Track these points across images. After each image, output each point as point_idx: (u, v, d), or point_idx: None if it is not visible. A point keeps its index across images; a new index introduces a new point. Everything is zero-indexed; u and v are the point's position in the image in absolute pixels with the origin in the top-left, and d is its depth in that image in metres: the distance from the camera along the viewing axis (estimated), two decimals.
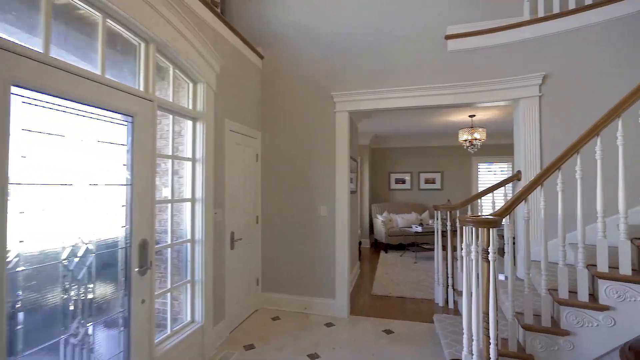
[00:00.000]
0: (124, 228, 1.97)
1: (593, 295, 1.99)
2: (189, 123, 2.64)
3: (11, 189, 1.40)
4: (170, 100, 2.39)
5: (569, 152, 1.98)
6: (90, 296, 1.77)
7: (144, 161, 2.04)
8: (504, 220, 1.95)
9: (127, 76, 2.05)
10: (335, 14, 3.65)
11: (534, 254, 2.95)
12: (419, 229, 6.60)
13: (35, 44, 1.51)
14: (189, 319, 2.62)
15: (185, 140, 2.66)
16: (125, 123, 1.97)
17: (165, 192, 2.51)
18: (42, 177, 1.55)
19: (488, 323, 1.87)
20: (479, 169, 7.92)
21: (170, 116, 2.40)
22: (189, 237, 2.62)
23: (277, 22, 3.82)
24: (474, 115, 5.63)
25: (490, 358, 1.81)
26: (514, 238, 2.09)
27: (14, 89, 1.40)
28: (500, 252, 5.75)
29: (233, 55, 3.21)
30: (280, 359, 2.69)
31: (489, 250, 1.85)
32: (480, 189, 7.85)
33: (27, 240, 1.48)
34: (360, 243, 6.71)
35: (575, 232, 2.55)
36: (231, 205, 3.16)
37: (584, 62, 2.91)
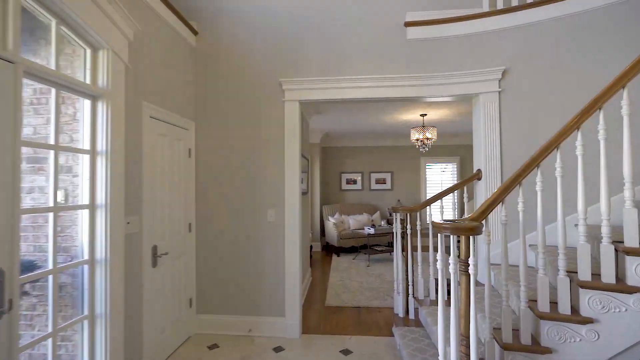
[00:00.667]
0: None
1: (573, 307, 1.79)
2: (87, 103, 1.97)
3: None
4: (53, 67, 1.71)
5: (548, 148, 1.77)
6: None
7: None
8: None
9: None
10: None
11: (493, 257, 2.80)
12: (372, 230, 6.39)
13: None
14: None
15: (81, 126, 1.98)
16: None
17: (47, 198, 1.81)
18: None
19: (468, 348, 1.56)
20: (427, 169, 8.02)
21: (53, 90, 1.71)
22: (86, 256, 1.94)
23: None
24: (426, 115, 5.55)
25: None
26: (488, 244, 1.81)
27: None
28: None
29: (155, 23, 2.56)
30: None
31: (469, 262, 1.54)
32: (429, 189, 7.95)
33: None
34: (311, 247, 6.30)
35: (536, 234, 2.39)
36: (152, 211, 2.51)
37: (544, 57, 2.82)
